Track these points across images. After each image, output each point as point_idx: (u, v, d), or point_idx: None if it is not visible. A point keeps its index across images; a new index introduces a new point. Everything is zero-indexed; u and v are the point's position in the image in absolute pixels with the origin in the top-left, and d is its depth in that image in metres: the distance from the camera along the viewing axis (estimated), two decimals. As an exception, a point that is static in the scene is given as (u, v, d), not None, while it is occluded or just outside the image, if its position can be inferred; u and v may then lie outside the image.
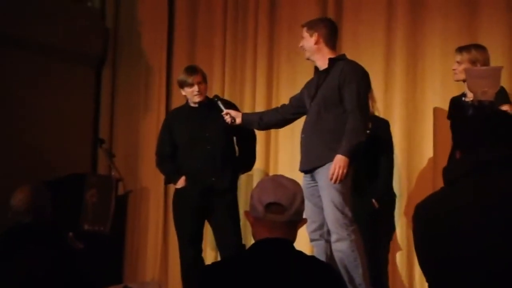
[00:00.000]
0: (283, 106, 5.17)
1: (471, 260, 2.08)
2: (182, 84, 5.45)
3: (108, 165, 7.23)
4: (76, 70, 7.43)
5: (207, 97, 5.51)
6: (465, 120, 2.42)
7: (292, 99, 5.08)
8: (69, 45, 7.22)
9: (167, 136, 5.57)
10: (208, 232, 5.86)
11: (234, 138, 5.56)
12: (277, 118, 5.12)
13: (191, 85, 5.39)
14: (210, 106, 5.39)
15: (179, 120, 5.55)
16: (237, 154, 5.60)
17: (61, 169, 6.75)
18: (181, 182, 5.43)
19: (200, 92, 5.39)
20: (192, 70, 5.49)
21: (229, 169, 5.41)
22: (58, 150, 7.01)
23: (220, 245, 5.48)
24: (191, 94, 5.41)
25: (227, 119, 5.18)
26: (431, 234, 2.20)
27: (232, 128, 5.26)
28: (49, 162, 6.85)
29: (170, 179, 5.63)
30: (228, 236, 5.36)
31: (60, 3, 7.26)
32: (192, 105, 5.47)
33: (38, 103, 6.94)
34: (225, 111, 5.21)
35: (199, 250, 5.51)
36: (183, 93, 5.49)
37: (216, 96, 5.45)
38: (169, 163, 5.57)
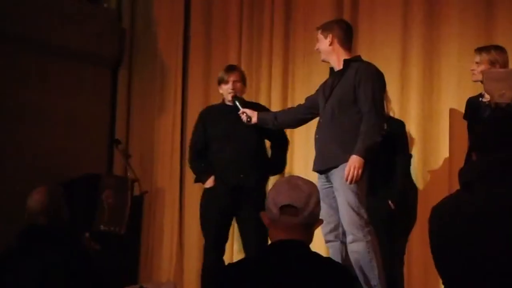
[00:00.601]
0: (298, 106, 5.18)
1: (486, 264, 2.06)
2: (220, 81, 5.49)
3: (124, 166, 7.25)
4: (93, 71, 7.46)
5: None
6: (481, 121, 2.40)
7: (307, 99, 5.09)
8: (86, 46, 7.25)
9: (201, 132, 5.58)
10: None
11: (267, 140, 5.58)
12: (291, 118, 5.14)
13: (227, 82, 5.42)
14: (245, 106, 5.36)
15: (213, 116, 5.57)
16: (268, 156, 5.60)
17: (77, 169, 6.78)
18: (209, 182, 5.43)
19: (234, 91, 5.40)
20: (230, 68, 5.57)
21: (258, 169, 5.37)
22: (74, 151, 7.04)
23: (244, 244, 5.48)
24: (226, 92, 5.43)
25: (243, 117, 5.21)
26: (447, 237, 2.19)
27: (266, 130, 5.28)
28: (66, 162, 6.88)
29: (200, 178, 5.61)
30: (252, 236, 5.33)
31: (76, 4, 7.29)
32: (228, 103, 5.48)
33: (54, 104, 6.97)
34: (241, 110, 5.25)
35: (222, 252, 5.45)
36: (220, 91, 5.51)
37: (235, 95, 5.47)
38: (200, 162, 5.57)
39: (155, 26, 7.64)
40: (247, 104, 5.39)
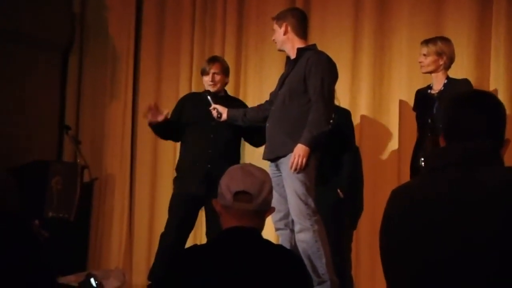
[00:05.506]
0: (265, 102, 5.14)
1: (451, 250, 2.02)
2: (202, 72, 5.53)
3: (74, 152, 7.20)
4: (43, 56, 7.37)
5: (226, 91, 5.57)
6: (452, 103, 2.31)
7: (271, 94, 5.07)
8: (36, 31, 7.15)
9: (176, 116, 5.55)
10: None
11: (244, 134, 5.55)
12: (259, 115, 5.05)
13: (207, 73, 5.44)
14: (226, 99, 5.41)
15: (192, 103, 5.57)
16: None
17: (27, 155, 6.71)
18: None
19: (213, 82, 5.42)
20: (212, 59, 5.58)
21: (227, 160, 5.13)
22: (24, 137, 6.96)
23: (207, 233, 5.47)
24: (207, 84, 5.46)
25: (214, 113, 5.18)
26: (404, 219, 2.15)
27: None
28: (15, 148, 6.80)
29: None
30: (215, 227, 5.27)
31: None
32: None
33: (3, 89, 6.88)
34: (212, 105, 5.22)
35: (182, 240, 5.38)
36: (203, 81, 5.52)
37: (207, 91, 5.46)
38: None
39: (106, 11, 7.57)
40: (226, 98, 5.41)
